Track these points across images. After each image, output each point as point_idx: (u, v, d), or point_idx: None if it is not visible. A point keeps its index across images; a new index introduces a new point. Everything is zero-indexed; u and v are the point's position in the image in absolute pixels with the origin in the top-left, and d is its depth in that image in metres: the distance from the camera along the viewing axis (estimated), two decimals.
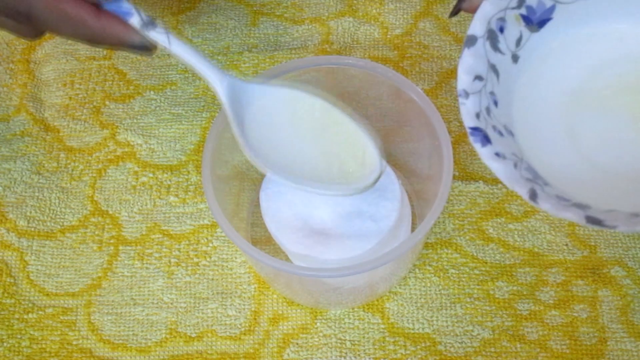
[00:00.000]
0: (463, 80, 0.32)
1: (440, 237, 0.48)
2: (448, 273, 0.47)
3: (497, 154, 0.31)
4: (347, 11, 0.57)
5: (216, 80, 0.36)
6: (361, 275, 0.41)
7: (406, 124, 0.44)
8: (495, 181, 0.49)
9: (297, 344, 0.45)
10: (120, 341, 0.46)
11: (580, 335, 0.45)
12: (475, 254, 0.47)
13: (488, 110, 0.32)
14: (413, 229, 0.47)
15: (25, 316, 0.47)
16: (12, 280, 0.48)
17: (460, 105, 0.32)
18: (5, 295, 0.47)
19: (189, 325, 0.46)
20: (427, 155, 0.43)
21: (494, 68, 0.33)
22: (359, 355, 0.45)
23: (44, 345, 0.46)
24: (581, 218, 0.29)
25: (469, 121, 0.32)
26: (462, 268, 0.47)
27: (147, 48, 0.36)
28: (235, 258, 0.48)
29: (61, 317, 0.47)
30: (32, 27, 0.36)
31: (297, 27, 0.56)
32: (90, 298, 0.47)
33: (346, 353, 0.45)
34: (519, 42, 0.34)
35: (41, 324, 0.46)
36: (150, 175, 0.51)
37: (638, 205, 0.30)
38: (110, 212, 0.50)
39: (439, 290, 0.46)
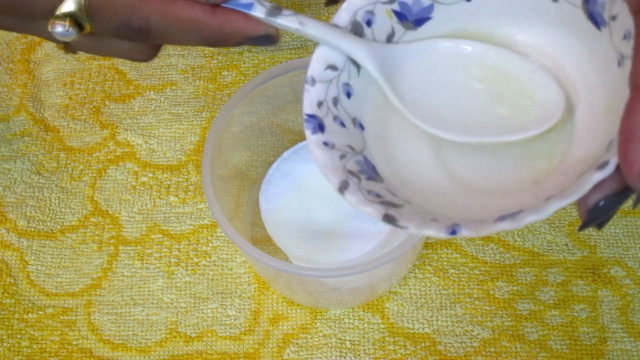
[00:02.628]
0: (314, 68, 0.33)
1: None
2: (448, 273, 0.47)
3: (325, 143, 0.31)
4: None
5: (362, 53, 0.32)
6: (361, 276, 0.41)
7: None
8: None
9: (297, 344, 0.45)
10: (120, 341, 0.46)
11: (580, 335, 0.45)
12: (475, 254, 0.47)
13: (335, 100, 0.32)
14: None
15: (25, 316, 0.47)
16: (12, 280, 0.48)
17: (304, 92, 0.32)
18: (5, 295, 0.47)
19: (189, 325, 0.46)
20: None
21: (354, 60, 0.33)
22: (359, 355, 0.45)
23: (44, 345, 0.46)
24: (379, 214, 0.29)
25: (308, 108, 0.32)
26: (462, 268, 0.47)
27: (272, 37, 0.32)
28: (235, 258, 0.48)
29: (61, 317, 0.47)
30: (147, 44, 0.33)
31: None
32: (90, 298, 0.47)
33: (346, 353, 0.45)
34: (390, 37, 0.33)
35: (41, 324, 0.46)
36: (150, 175, 0.51)
37: (461, 211, 0.30)
38: (110, 212, 0.50)
39: (439, 290, 0.46)
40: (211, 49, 0.55)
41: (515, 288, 0.46)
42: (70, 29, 0.30)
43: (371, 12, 0.33)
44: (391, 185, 0.32)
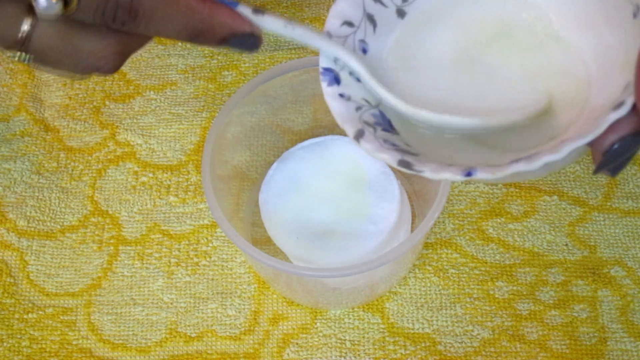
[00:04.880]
0: (330, 23, 0.33)
1: (440, 237, 0.48)
2: (448, 273, 0.47)
3: (341, 95, 0.32)
4: None
5: (349, 55, 0.32)
6: (361, 276, 0.41)
7: None
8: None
9: (297, 344, 0.45)
10: (120, 341, 0.46)
11: (580, 335, 0.45)
12: (475, 254, 0.47)
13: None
14: (413, 229, 0.47)
15: (25, 316, 0.47)
16: (12, 280, 0.48)
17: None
18: (5, 295, 0.47)
19: (189, 325, 0.46)
20: None
21: (371, 18, 0.33)
22: (358, 355, 0.45)
23: (44, 345, 0.46)
24: (395, 160, 0.29)
25: (324, 62, 0.32)
26: (462, 268, 0.47)
27: (256, 38, 0.32)
28: (235, 258, 0.48)
29: (61, 317, 0.47)
30: (130, 34, 0.31)
31: None
32: (90, 298, 0.47)
33: (346, 353, 0.45)
34: None
35: (41, 324, 0.46)
36: (150, 175, 0.51)
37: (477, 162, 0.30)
38: (110, 212, 0.50)
39: (439, 290, 0.46)
40: (211, 48, 0.55)
41: (515, 288, 0.46)
42: (56, 3, 0.28)
43: None
44: (406, 139, 0.32)
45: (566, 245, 0.47)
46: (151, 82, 0.54)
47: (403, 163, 0.29)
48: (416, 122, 0.32)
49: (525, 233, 0.48)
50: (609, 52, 0.31)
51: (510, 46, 0.33)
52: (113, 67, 0.32)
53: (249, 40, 0.32)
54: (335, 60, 0.32)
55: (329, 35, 0.32)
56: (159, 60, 0.55)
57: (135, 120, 0.53)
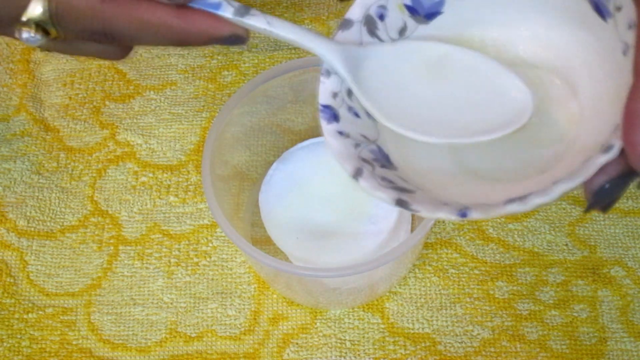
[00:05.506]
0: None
1: (440, 237, 0.48)
2: (448, 273, 0.47)
3: (340, 132, 0.32)
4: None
5: (329, 51, 0.32)
6: (361, 276, 0.41)
7: None
8: None
9: (297, 344, 0.45)
10: (120, 341, 0.46)
11: (580, 335, 0.45)
12: (475, 254, 0.47)
13: (350, 91, 0.33)
14: (413, 229, 0.47)
15: (25, 316, 0.47)
16: (12, 280, 0.48)
17: (320, 83, 0.33)
18: (5, 295, 0.47)
19: (189, 325, 0.46)
20: None
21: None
22: (358, 355, 0.45)
23: (43, 345, 0.46)
24: (392, 199, 0.30)
25: (323, 99, 0.32)
26: (462, 268, 0.47)
27: (240, 38, 0.32)
28: (235, 258, 0.48)
29: (61, 317, 0.47)
30: (116, 45, 0.33)
31: None
32: (90, 298, 0.47)
33: (346, 353, 0.45)
34: (402, 31, 0.34)
35: (41, 324, 0.46)
36: (150, 175, 0.51)
37: (471, 197, 0.31)
38: (110, 212, 0.50)
39: (439, 290, 0.46)
40: (210, 48, 0.55)
41: (515, 288, 0.46)
42: (36, 35, 0.30)
43: (384, 7, 0.33)
44: (404, 173, 0.32)
45: (566, 245, 0.47)
46: (151, 82, 0.54)
47: (400, 202, 0.30)
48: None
49: (525, 233, 0.48)
50: (599, 88, 0.31)
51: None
52: (122, 57, 0.34)
53: (232, 40, 0.32)
54: (334, 95, 0.32)
55: (328, 73, 0.33)
56: (159, 60, 0.55)
57: (135, 120, 0.53)
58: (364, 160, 0.32)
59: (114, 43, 0.32)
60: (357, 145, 0.32)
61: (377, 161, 0.32)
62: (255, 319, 0.46)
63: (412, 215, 0.47)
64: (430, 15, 0.34)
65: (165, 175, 0.51)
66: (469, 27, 0.34)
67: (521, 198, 0.27)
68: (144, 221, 0.49)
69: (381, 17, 0.33)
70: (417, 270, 0.47)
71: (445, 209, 0.29)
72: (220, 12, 0.31)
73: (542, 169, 0.32)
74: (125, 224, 0.49)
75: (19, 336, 0.46)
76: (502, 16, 0.34)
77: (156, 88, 0.54)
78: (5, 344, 0.46)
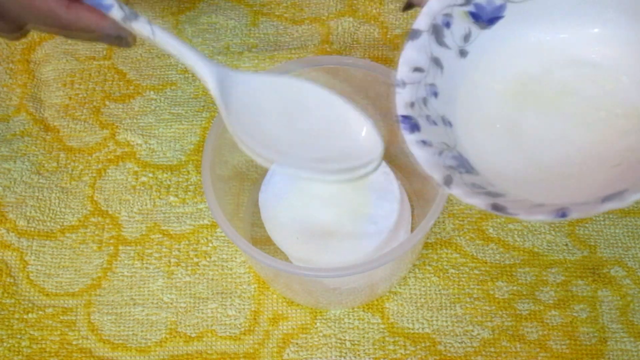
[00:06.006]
0: (401, 71, 0.34)
1: (440, 237, 0.48)
2: (448, 273, 0.47)
3: (423, 142, 0.33)
4: (347, 11, 0.57)
5: (204, 69, 0.35)
6: (361, 276, 0.41)
7: None
8: None
9: (297, 344, 0.45)
10: (120, 341, 0.46)
11: (580, 335, 0.45)
12: (475, 254, 0.47)
13: (425, 100, 0.34)
14: (413, 229, 0.47)
15: (25, 316, 0.47)
16: (12, 280, 0.48)
17: (396, 94, 0.33)
18: (5, 295, 0.47)
19: (188, 325, 0.46)
20: None
21: (437, 61, 0.34)
22: (358, 355, 0.45)
23: (43, 345, 0.46)
24: (487, 205, 0.30)
25: (401, 109, 0.33)
26: (462, 268, 0.47)
27: (123, 39, 0.35)
28: (235, 258, 0.48)
29: (61, 317, 0.47)
30: (9, 22, 0.35)
31: (297, 27, 0.56)
32: (90, 298, 0.47)
33: (346, 353, 0.45)
34: (467, 37, 0.35)
35: (41, 324, 0.46)
36: (150, 175, 0.51)
37: (560, 197, 0.31)
38: (110, 212, 0.50)
39: (439, 290, 0.46)
40: (210, 48, 0.55)
41: (515, 288, 0.46)
42: None
43: (449, 15, 0.34)
44: (486, 177, 0.33)
45: (566, 245, 0.47)
46: (151, 82, 0.54)
47: (496, 207, 0.30)
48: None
49: (525, 233, 0.48)
50: None
51: (576, 103, 0.35)
52: (15, 37, 0.37)
53: (117, 40, 0.35)
54: (411, 105, 0.33)
55: (403, 83, 0.34)
56: (159, 60, 0.55)
57: (135, 120, 0.53)
58: (450, 167, 0.32)
59: (5, 20, 0.35)
60: (440, 153, 0.33)
61: (461, 167, 0.32)
62: (255, 319, 0.46)
63: (412, 215, 0.47)
64: (492, 20, 0.35)
65: (165, 175, 0.51)
66: (529, 30, 0.35)
67: (618, 195, 0.28)
68: (144, 221, 0.49)
69: (447, 25, 0.34)
70: (417, 270, 0.47)
71: (544, 211, 0.29)
72: (111, 13, 0.33)
73: (617, 161, 0.32)
74: (125, 224, 0.49)
75: (19, 336, 0.46)
76: (565, 18, 0.35)
77: (156, 88, 0.54)
78: (5, 344, 0.46)
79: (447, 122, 0.34)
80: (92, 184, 0.51)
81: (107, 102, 0.54)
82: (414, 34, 0.34)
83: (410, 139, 0.32)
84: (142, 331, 0.46)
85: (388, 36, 0.55)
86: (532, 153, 0.34)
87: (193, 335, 0.46)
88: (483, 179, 0.32)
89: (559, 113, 0.34)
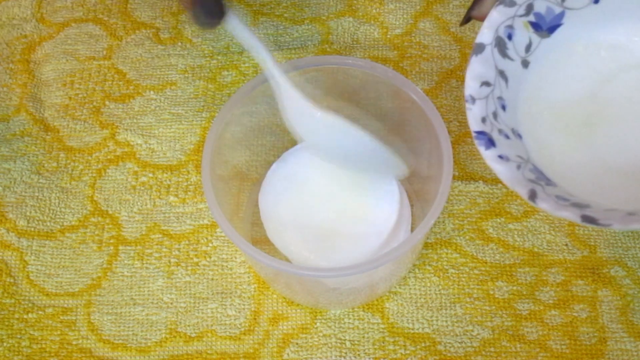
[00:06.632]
0: (470, 87, 0.34)
1: (440, 237, 0.48)
2: (448, 273, 0.47)
3: (500, 157, 0.32)
4: (347, 11, 0.57)
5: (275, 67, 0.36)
6: (361, 276, 0.41)
7: (406, 124, 0.44)
8: (495, 181, 0.49)
9: (297, 344, 0.45)
10: (120, 341, 0.46)
11: (580, 335, 0.45)
12: (475, 254, 0.47)
13: (495, 114, 0.34)
14: (413, 229, 0.47)
15: (25, 316, 0.47)
16: (12, 280, 0.48)
17: (467, 110, 0.33)
18: (5, 295, 0.47)
19: (188, 325, 0.46)
20: (427, 155, 0.43)
21: (502, 74, 0.34)
22: (358, 355, 0.45)
23: (43, 345, 0.46)
24: (577, 217, 0.30)
25: (474, 125, 0.33)
26: (462, 268, 0.47)
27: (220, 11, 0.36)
28: (235, 258, 0.48)
29: (61, 317, 0.47)
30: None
31: (297, 27, 0.56)
32: (90, 298, 0.47)
33: (346, 353, 0.45)
34: (528, 48, 0.35)
35: (41, 324, 0.46)
36: (150, 175, 0.51)
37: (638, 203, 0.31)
38: (110, 212, 0.50)
39: (439, 290, 0.46)
40: (210, 48, 0.55)
41: (515, 288, 0.46)
42: None
43: (511, 27, 0.35)
44: (563, 188, 0.32)
45: (566, 245, 0.47)
46: (151, 82, 0.54)
47: (587, 218, 0.29)
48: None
49: (525, 233, 0.48)
50: None
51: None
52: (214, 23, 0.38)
53: (213, 9, 0.35)
54: (483, 120, 0.33)
55: (473, 99, 0.34)
56: (159, 60, 0.55)
57: (135, 120, 0.53)
58: (531, 180, 0.32)
59: None
60: (518, 166, 0.32)
61: (540, 179, 0.32)
62: (255, 319, 0.46)
63: (413, 216, 0.47)
64: (552, 28, 0.35)
65: (165, 175, 0.51)
66: (589, 35, 0.35)
67: None
68: (144, 221, 0.49)
69: (509, 36, 0.35)
70: (417, 270, 0.47)
71: (638, 220, 0.28)
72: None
73: None
74: (125, 224, 0.49)
75: (19, 336, 0.46)
76: (625, 24, 0.35)
77: (156, 88, 0.54)
78: (5, 344, 0.46)
79: (517, 135, 0.34)
80: (92, 184, 0.51)
81: (107, 102, 0.54)
82: (478, 48, 0.34)
83: (487, 155, 0.32)
84: (142, 331, 0.46)
85: (388, 36, 0.55)
86: (606, 158, 0.34)
87: (193, 335, 0.46)
88: (562, 189, 0.32)
89: (628, 115, 0.34)
